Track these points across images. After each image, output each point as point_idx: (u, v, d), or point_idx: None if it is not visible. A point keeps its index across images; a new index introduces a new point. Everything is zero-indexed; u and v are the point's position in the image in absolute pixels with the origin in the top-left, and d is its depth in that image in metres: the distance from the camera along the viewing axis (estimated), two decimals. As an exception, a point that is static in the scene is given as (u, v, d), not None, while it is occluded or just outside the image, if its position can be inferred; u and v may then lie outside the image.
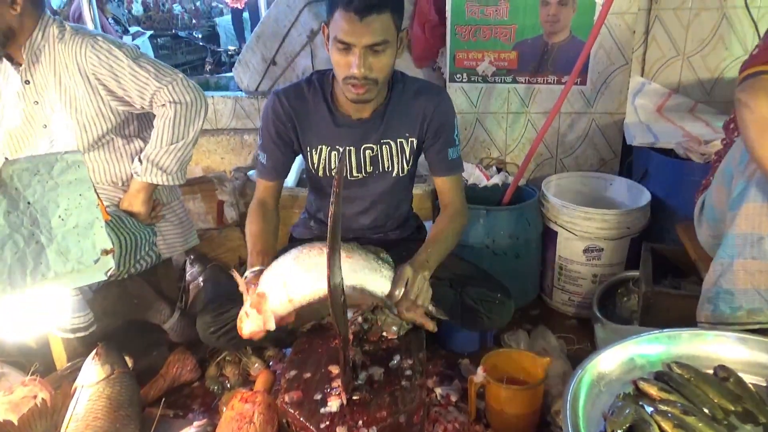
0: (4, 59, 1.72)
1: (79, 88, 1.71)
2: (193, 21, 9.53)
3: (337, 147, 1.68)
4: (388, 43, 1.47)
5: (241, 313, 1.45)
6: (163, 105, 1.74)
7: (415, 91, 1.67)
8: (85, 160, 1.79)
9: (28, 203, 0.92)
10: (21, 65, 1.71)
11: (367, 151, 1.69)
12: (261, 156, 1.72)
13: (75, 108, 1.73)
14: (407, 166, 1.73)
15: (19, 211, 0.90)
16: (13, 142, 1.81)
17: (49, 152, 1.76)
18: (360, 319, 1.74)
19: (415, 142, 1.70)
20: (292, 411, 1.43)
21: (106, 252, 1.00)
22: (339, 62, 1.50)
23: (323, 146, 1.69)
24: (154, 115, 1.83)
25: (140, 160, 1.78)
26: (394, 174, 1.73)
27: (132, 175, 1.83)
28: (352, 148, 1.68)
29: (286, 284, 1.42)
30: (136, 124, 1.88)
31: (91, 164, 1.82)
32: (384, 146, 1.69)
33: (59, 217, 0.95)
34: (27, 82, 1.73)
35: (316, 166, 1.73)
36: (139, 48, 1.86)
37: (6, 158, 1.86)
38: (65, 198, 0.96)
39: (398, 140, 1.69)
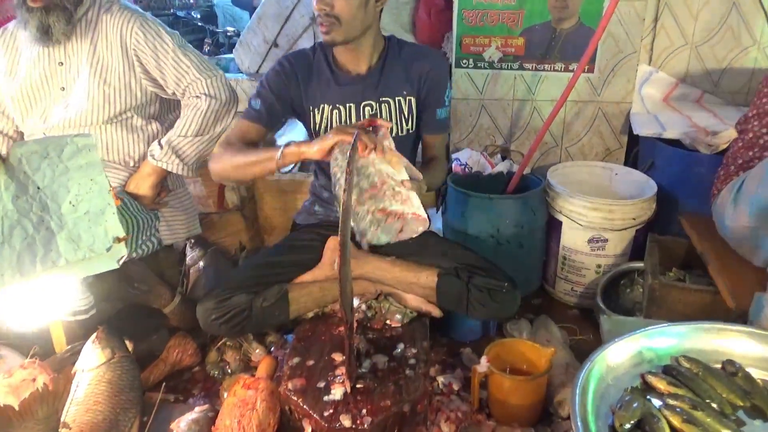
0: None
1: (114, 60, 1.72)
2: (191, 1, 9.38)
3: (338, 105, 1.73)
4: None
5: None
6: (198, 96, 1.76)
7: (414, 51, 1.78)
8: (100, 132, 1.78)
9: (38, 188, 0.89)
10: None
11: (367, 109, 1.73)
12: (254, 102, 1.73)
13: (104, 78, 1.72)
14: (406, 125, 1.77)
15: (28, 195, 0.87)
16: (24, 98, 1.78)
17: (63, 118, 1.74)
18: (364, 306, 1.73)
19: (413, 101, 1.74)
20: (295, 398, 1.42)
21: (118, 240, 0.97)
22: (313, 7, 1.58)
23: (325, 105, 1.73)
24: (179, 102, 1.82)
25: (160, 145, 1.77)
26: (393, 134, 1.74)
27: (143, 157, 1.81)
28: (352, 105, 1.73)
29: None
30: (158, 107, 1.87)
31: (105, 138, 1.79)
32: (383, 104, 1.74)
33: (70, 203, 0.92)
34: (57, 41, 1.70)
35: (318, 127, 1.75)
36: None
37: (12, 116, 1.84)
38: (76, 183, 0.93)
39: (396, 98, 1.74)
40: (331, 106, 1.74)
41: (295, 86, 1.73)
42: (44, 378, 1.54)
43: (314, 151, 1.48)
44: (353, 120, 1.74)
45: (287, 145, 1.54)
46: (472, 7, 2.41)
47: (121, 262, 1.03)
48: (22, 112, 1.80)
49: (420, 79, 1.73)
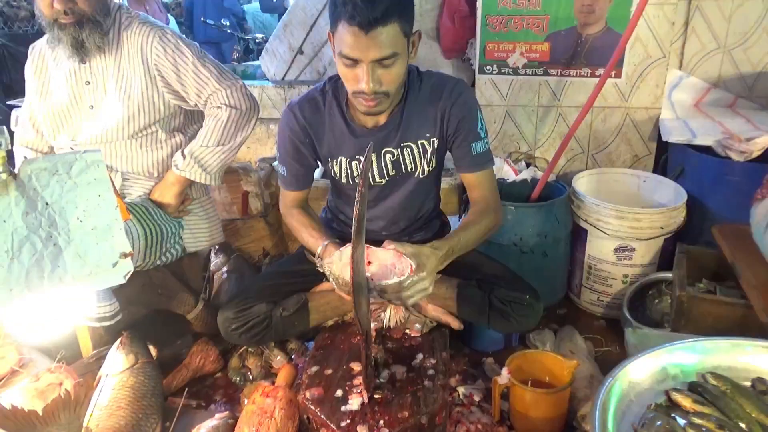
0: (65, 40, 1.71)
1: (137, 77, 1.74)
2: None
3: (357, 157, 1.64)
4: (398, 55, 1.39)
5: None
6: (219, 107, 1.77)
7: (431, 88, 1.59)
8: (125, 147, 1.81)
9: (46, 204, 0.90)
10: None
11: (388, 156, 1.64)
12: (280, 168, 1.73)
13: (128, 95, 1.75)
14: (429, 167, 1.67)
15: (37, 212, 0.88)
16: (56, 118, 1.82)
17: (90, 135, 1.77)
18: (383, 315, 1.72)
19: (436, 141, 1.63)
20: (312, 408, 1.42)
21: (125, 255, 0.98)
22: (347, 76, 1.44)
23: (342, 158, 1.65)
24: (202, 113, 1.83)
25: (183, 155, 1.79)
26: (416, 175, 1.68)
27: (167, 168, 1.84)
28: (372, 155, 1.61)
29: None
30: (182, 119, 1.89)
31: (130, 152, 1.82)
32: (405, 149, 1.63)
33: (77, 218, 0.93)
34: (83, 61, 1.74)
35: (337, 175, 1.70)
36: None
37: (41, 132, 1.88)
38: (84, 199, 0.94)
39: (419, 142, 1.62)
40: (348, 158, 1.64)
41: (309, 142, 1.65)
42: (69, 383, 1.57)
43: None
44: (375, 168, 1.64)
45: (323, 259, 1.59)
46: (496, 13, 2.39)
47: (127, 278, 1.04)
48: (54, 130, 1.84)
49: (443, 117, 1.59)
